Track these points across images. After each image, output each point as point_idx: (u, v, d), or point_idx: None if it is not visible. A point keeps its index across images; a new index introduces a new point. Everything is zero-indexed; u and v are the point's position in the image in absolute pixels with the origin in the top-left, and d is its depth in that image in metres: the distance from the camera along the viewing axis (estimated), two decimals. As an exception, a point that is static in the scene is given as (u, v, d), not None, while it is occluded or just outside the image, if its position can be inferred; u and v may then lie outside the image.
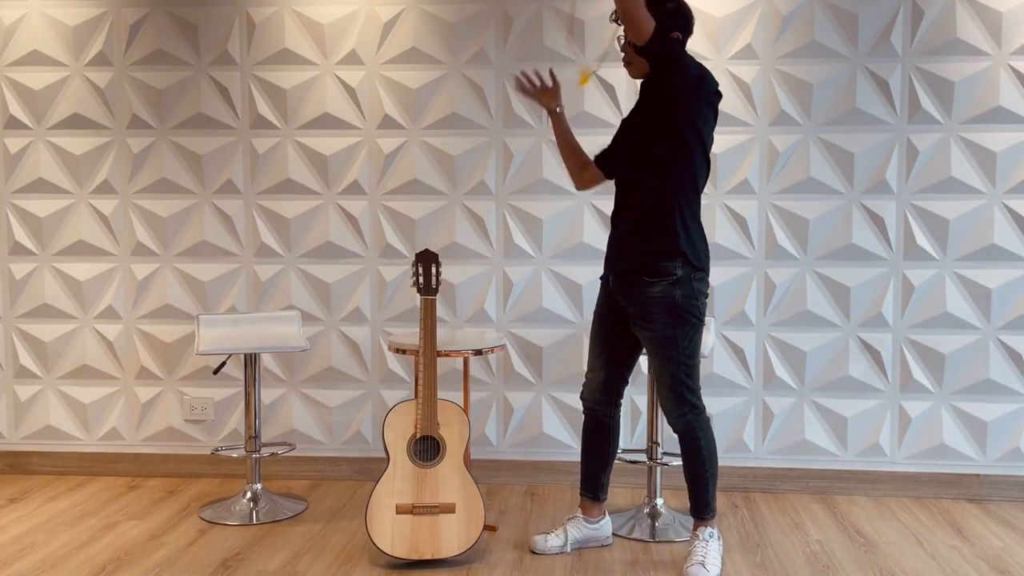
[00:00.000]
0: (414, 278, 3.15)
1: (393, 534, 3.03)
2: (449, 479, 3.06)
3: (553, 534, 3.20)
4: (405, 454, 3.07)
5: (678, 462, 3.33)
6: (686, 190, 2.94)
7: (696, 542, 3.03)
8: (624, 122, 3.11)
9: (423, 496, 3.06)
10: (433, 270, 3.14)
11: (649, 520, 3.42)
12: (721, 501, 3.76)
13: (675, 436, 3.10)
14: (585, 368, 3.24)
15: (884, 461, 3.84)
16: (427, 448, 3.08)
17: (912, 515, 3.61)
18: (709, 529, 3.04)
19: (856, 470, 3.84)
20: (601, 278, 3.15)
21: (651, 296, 2.93)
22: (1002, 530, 3.45)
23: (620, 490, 3.86)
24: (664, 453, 3.49)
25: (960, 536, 3.38)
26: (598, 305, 3.16)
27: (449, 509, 3.05)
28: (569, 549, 3.19)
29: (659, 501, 3.47)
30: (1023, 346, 3.74)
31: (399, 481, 3.06)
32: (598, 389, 3.16)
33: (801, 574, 3.02)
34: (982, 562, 3.13)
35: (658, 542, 3.30)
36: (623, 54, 3.01)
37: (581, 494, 3.26)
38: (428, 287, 3.13)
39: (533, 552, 3.17)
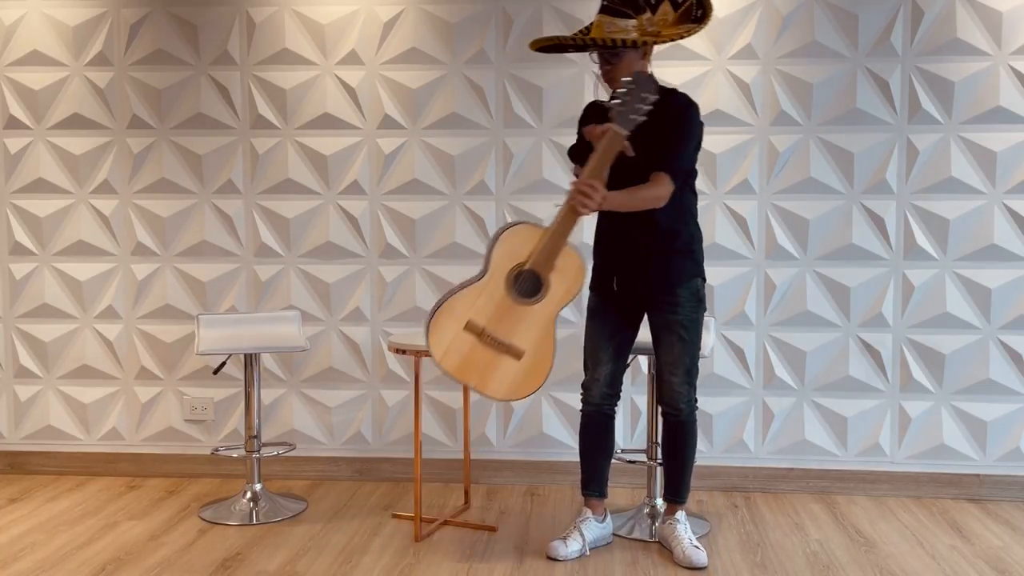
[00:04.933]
0: (619, 100, 2.79)
1: (450, 346, 2.82)
2: (532, 325, 2.83)
3: (571, 538, 3.16)
4: (504, 278, 2.82)
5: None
6: (693, 209, 3.11)
7: (677, 525, 3.15)
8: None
9: (498, 327, 2.82)
10: (646, 102, 2.77)
11: (649, 520, 3.42)
12: (721, 501, 3.77)
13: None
14: (583, 368, 3.22)
15: (884, 461, 3.84)
16: (529, 284, 2.83)
17: (912, 515, 3.61)
18: (682, 513, 3.19)
19: (856, 470, 3.85)
20: (592, 287, 3.18)
21: (679, 281, 3.03)
22: (1002, 530, 3.45)
23: (620, 490, 3.86)
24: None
25: (960, 536, 3.38)
26: (594, 304, 3.17)
27: (516, 354, 2.83)
28: (588, 551, 3.17)
29: (659, 501, 3.47)
30: (1023, 346, 3.74)
31: (484, 300, 2.80)
32: (607, 383, 3.16)
33: (801, 574, 3.03)
34: (982, 562, 3.13)
35: (658, 542, 3.29)
36: (606, 77, 3.02)
37: (587, 493, 3.24)
38: (623, 118, 2.76)
39: (553, 559, 3.11)
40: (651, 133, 2.87)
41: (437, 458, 3.97)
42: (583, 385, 3.22)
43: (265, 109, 3.94)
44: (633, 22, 2.91)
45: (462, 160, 3.90)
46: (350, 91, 3.91)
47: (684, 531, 3.13)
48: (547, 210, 3.86)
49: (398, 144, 3.92)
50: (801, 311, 3.82)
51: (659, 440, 3.47)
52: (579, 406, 3.76)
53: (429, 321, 2.85)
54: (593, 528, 3.21)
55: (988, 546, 3.28)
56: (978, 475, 3.80)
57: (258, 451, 3.64)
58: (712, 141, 3.70)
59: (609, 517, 3.28)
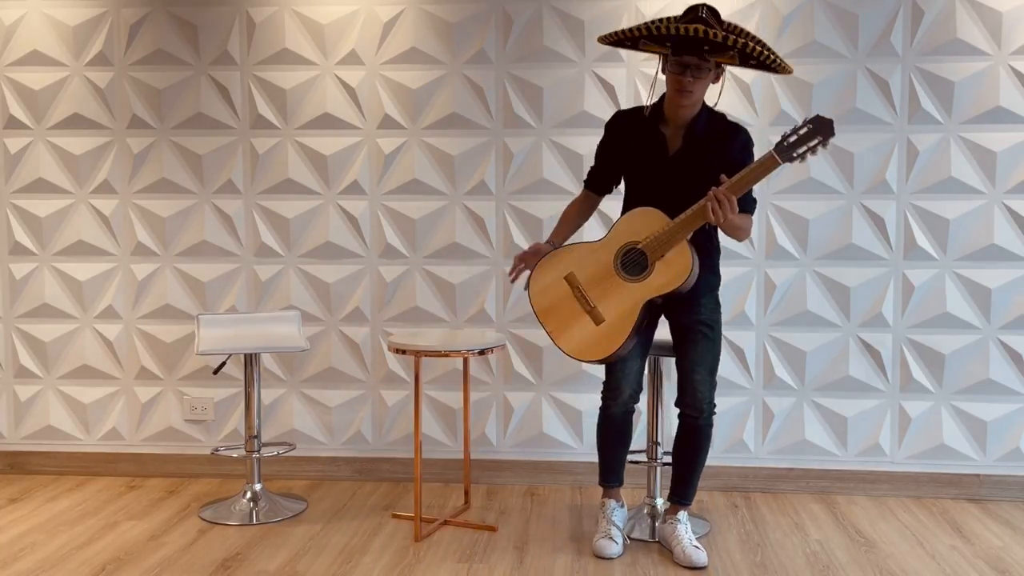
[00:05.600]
0: (794, 135, 2.81)
1: (547, 287, 3.03)
2: (621, 301, 2.95)
3: (614, 535, 3.18)
4: (616, 248, 2.97)
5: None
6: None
7: (678, 525, 3.15)
8: (658, 162, 3.00)
9: (592, 289, 2.98)
10: (817, 143, 2.80)
11: (649, 520, 3.42)
12: (721, 501, 3.77)
13: (673, 432, 3.10)
14: (605, 370, 3.19)
15: (884, 461, 3.84)
16: (634, 263, 2.95)
17: (912, 515, 3.61)
18: (684, 513, 3.19)
19: (856, 470, 3.85)
20: None
21: (704, 292, 3.06)
22: (1002, 530, 3.45)
23: (620, 490, 3.85)
24: (664, 453, 3.49)
25: (960, 536, 3.38)
26: None
27: (596, 319, 2.98)
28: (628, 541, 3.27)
29: (659, 501, 3.47)
30: (1023, 346, 3.74)
31: (591, 260, 2.98)
32: (635, 380, 3.14)
33: (801, 574, 3.03)
34: (982, 562, 3.13)
35: (658, 541, 3.30)
36: (686, 90, 2.87)
37: (610, 485, 3.25)
38: (787, 152, 2.81)
39: (604, 558, 3.13)
40: (717, 159, 2.91)
41: (437, 458, 3.97)
42: (608, 385, 3.15)
43: (265, 109, 3.94)
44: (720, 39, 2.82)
45: (462, 160, 3.90)
46: (350, 91, 3.91)
47: (685, 531, 3.14)
48: (548, 210, 3.86)
49: (398, 144, 3.92)
50: (801, 311, 3.82)
51: (660, 440, 3.47)
52: (578, 405, 3.76)
53: (539, 263, 3.06)
54: (620, 517, 3.25)
55: (988, 546, 3.28)
56: (978, 475, 3.80)
57: (258, 451, 3.63)
58: (712, 141, 3.70)
59: (622, 498, 3.33)
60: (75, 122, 4.00)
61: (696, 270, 2.93)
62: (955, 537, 3.37)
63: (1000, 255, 3.73)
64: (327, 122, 3.93)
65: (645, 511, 3.47)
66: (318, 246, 3.97)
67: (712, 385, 3.10)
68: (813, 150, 2.80)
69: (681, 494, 3.20)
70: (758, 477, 3.89)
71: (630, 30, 2.89)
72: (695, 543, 3.11)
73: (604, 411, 3.20)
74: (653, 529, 3.37)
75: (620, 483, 3.29)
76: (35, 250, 4.06)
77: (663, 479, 3.53)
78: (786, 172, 3.78)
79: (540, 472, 3.98)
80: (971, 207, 3.73)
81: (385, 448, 4.02)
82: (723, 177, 2.82)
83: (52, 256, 4.06)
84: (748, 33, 2.95)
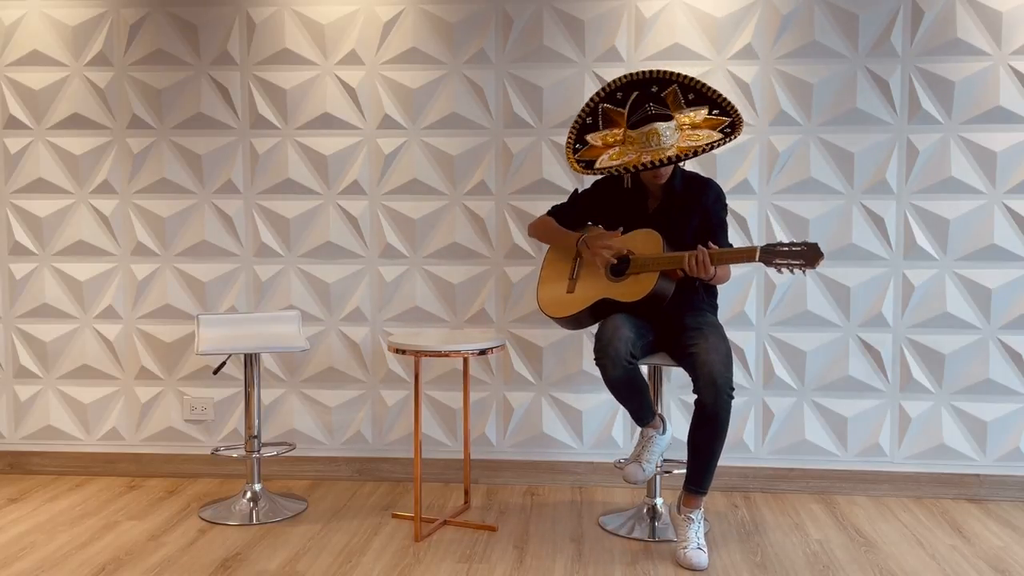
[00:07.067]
0: (786, 247, 3.01)
1: (552, 298, 3.43)
2: (590, 287, 3.33)
3: (645, 459, 3.21)
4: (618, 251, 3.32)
5: (680, 470, 3.37)
6: None
7: (692, 524, 3.12)
8: (630, 210, 3.33)
9: (585, 267, 3.38)
10: (798, 264, 2.99)
11: (649, 520, 3.42)
12: (721, 501, 3.77)
13: (681, 434, 3.10)
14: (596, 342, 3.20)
15: (884, 461, 3.84)
16: (619, 267, 3.27)
17: (912, 515, 3.61)
18: (700, 511, 3.15)
19: (856, 470, 3.85)
20: None
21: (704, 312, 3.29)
22: (1002, 530, 3.45)
23: (620, 490, 3.87)
24: (665, 460, 3.49)
25: (960, 536, 3.38)
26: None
27: (570, 289, 3.40)
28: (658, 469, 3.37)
29: (659, 501, 3.47)
30: (1023, 346, 3.74)
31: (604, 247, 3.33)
32: (628, 341, 3.10)
33: (801, 574, 3.03)
34: (982, 562, 3.13)
35: (658, 541, 3.30)
36: (659, 174, 3.24)
37: (645, 424, 3.23)
38: (769, 255, 3.01)
39: (632, 482, 3.22)
40: (698, 209, 3.24)
41: (437, 458, 3.97)
42: (599, 349, 3.11)
43: (265, 109, 3.94)
44: (674, 123, 3.16)
45: (462, 160, 3.90)
46: (350, 91, 3.91)
47: (695, 532, 3.11)
48: (547, 209, 3.86)
49: (398, 144, 3.92)
50: (801, 311, 3.82)
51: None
52: (578, 404, 3.75)
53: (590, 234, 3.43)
54: (661, 444, 3.25)
55: (988, 546, 3.28)
56: (978, 475, 3.80)
57: (258, 451, 3.64)
58: (712, 141, 3.70)
59: (664, 423, 3.28)
60: (75, 122, 4.00)
61: (647, 298, 3.18)
62: (955, 537, 3.37)
63: (1000, 255, 3.73)
64: (327, 122, 3.93)
65: (645, 511, 3.47)
66: (318, 246, 3.97)
67: (728, 367, 3.05)
68: (791, 268, 3.01)
69: (697, 482, 3.14)
70: (758, 477, 3.89)
71: (600, 169, 3.24)
72: (700, 545, 3.08)
73: (605, 375, 3.13)
74: (653, 529, 3.38)
75: (654, 415, 3.24)
76: (35, 250, 4.06)
77: (663, 482, 3.54)
78: (785, 172, 3.78)
79: (540, 472, 3.98)
80: (971, 207, 3.73)
81: (385, 448, 4.03)
82: (711, 244, 3.11)
83: (52, 256, 4.06)
84: (703, 88, 3.25)
